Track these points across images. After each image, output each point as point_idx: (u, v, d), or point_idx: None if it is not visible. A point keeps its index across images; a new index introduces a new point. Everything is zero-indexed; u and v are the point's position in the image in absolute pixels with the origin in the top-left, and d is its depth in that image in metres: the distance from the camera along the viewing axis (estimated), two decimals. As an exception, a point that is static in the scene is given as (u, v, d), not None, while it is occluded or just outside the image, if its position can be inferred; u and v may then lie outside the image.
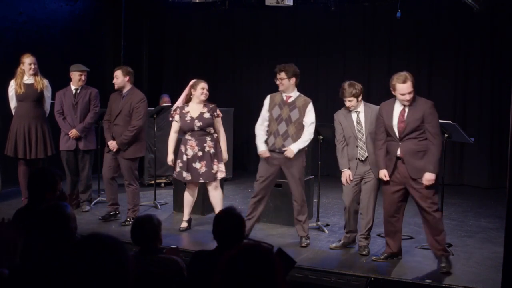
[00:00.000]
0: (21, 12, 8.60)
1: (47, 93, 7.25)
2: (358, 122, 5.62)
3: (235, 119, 9.60)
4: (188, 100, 6.42)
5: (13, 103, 7.23)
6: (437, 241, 5.25)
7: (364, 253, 5.68)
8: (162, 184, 8.79)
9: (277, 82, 5.94)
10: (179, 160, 6.40)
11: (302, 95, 5.98)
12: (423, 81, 9.40)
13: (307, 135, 5.90)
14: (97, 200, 7.62)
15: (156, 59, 11.05)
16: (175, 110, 6.42)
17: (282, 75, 5.88)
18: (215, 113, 6.33)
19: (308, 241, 5.99)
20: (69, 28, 9.39)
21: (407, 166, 5.22)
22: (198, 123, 6.26)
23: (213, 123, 6.33)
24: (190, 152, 6.30)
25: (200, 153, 6.27)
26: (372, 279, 5.02)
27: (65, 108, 7.17)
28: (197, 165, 6.29)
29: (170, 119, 6.47)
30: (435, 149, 5.18)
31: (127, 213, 6.81)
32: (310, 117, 5.89)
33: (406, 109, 5.23)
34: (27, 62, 7.09)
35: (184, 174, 6.34)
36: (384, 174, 5.35)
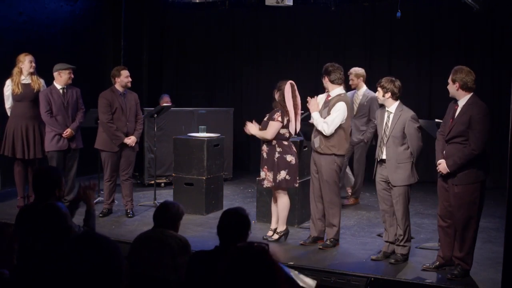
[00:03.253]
0: (21, 12, 8.60)
1: None
2: (386, 123, 5.44)
3: (235, 119, 9.60)
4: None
5: (8, 103, 7.23)
6: (460, 250, 5.06)
7: (391, 261, 5.41)
8: (162, 184, 8.79)
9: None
10: None
11: (342, 95, 5.91)
12: (423, 81, 9.41)
13: (318, 125, 5.79)
14: (97, 200, 7.61)
15: (156, 59, 11.05)
16: None
17: (323, 74, 5.98)
18: (272, 117, 5.97)
19: (330, 244, 5.89)
20: (69, 28, 9.38)
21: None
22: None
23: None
24: None
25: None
26: (372, 279, 5.01)
27: (55, 108, 7.06)
28: None
29: None
30: (465, 151, 4.92)
31: (126, 205, 7.09)
32: (331, 117, 5.77)
33: (458, 110, 5.04)
34: (28, 60, 7.09)
35: None
36: (438, 163, 5.09)
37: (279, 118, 5.90)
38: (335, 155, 5.82)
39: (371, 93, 7.55)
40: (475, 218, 5.02)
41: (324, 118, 5.82)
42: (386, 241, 5.54)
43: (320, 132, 5.82)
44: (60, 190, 4.03)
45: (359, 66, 9.72)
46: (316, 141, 5.86)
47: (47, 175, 4.03)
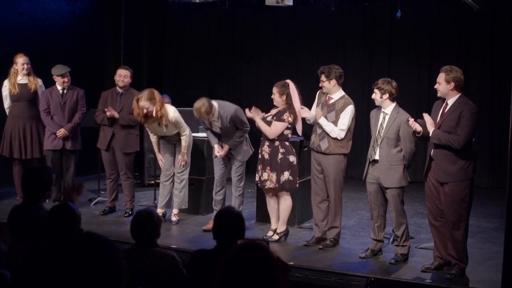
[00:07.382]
0: (21, 12, 8.60)
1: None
2: (381, 124, 5.45)
3: (235, 119, 9.58)
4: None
5: (6, 103, 7.25)
6: (454, 250, 5.07)
7: (391, 261, 5.42)
8: (162, 184, 8.76)
9: (320, 85, 5.91)
10: None
11: (346, 97, 5.85)
12: (423, 81, 9.41)
13: (332, 133, 5.74)
14: (97, 200, 7.62)
15: (156, 59, 11.05)
16: None
17: (323, 77, 5.85)
18: (281, 117, 5.91)
19: (330, 244, 5.88)
20: (69, 28, 9.38)
21: (436, 168, 5.05)
22: None
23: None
24: None
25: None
26: (372, 279, 5.01)
27: (52, 108, 7.09)
28: None
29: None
30: (449, 137, 4.90)
31: (125, 205, 7.08)
32: (342, 121, 5.74)
33: (448, 108, 5.04)
34: (20, 62, 7.10)
35: None
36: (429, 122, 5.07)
37: (289, 119, 5.89)
38: (344, 154, 5.84)
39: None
40: (465, 216, 5.06)
41: (332, 122, 5.78)
42: (374, 239, 5.61)
43: (327, 134, 5.80)
44: (50, 192, 3.99)
45: (359, 66, 9.78)
46: (323, 143, 5.80)
47: (40, 176, 3.96)
